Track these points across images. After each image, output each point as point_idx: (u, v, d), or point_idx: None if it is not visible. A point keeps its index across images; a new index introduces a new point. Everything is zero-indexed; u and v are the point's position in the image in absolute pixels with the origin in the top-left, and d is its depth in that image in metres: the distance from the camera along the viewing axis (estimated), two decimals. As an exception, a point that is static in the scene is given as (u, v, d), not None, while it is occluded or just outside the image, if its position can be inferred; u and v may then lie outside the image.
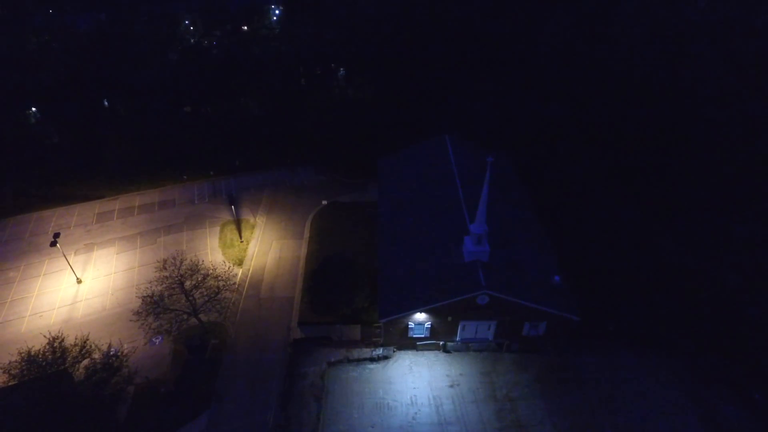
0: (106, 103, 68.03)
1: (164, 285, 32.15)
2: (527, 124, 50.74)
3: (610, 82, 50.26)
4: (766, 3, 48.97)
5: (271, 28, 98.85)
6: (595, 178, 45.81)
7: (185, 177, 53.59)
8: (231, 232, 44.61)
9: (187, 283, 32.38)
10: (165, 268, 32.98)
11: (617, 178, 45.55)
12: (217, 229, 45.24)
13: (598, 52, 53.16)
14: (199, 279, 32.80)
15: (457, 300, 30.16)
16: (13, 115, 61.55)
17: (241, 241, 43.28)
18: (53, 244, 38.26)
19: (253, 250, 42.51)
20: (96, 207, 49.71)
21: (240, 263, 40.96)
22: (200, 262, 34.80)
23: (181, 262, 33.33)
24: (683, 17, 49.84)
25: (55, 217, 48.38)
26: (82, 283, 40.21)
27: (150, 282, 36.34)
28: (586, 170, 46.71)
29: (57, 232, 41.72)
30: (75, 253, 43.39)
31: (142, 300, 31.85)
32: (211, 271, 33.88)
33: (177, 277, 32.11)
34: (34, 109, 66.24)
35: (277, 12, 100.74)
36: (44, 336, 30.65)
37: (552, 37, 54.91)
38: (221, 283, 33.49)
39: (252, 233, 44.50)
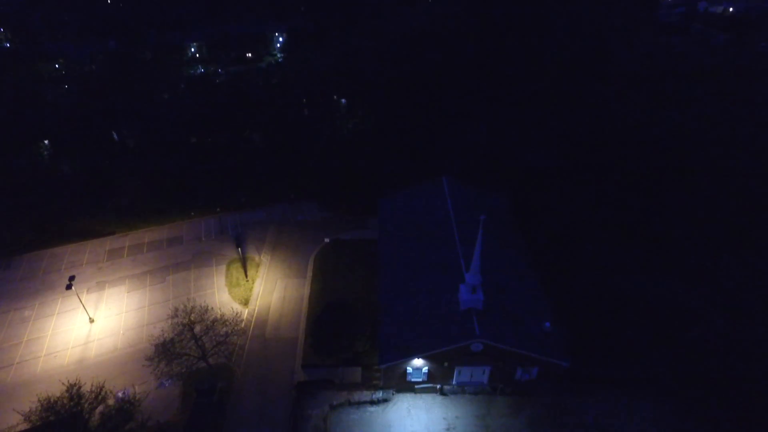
0: (115, 136, 70.12)
1: (175, 332, 33.88)
2: (522, 165, 52.50)
3: (604, 126, 52.15)
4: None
5: (274, 55, 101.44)
6: (588, 221, 47.45)
7: (193, 213, 55.47)
8: (237, 270, 46.37)
9: (197, 328, 34.11)
10: (176, 315, 34.75)
11: (610, 221, 47.20)
12: (224, 267, 47.01)
13: (591, 97, 55.17)
14: (208, 324, 34.54)
15: (453, 348, 31.80)
16: (27, 149, 63.69)
17: (247, 280, 45.02)
18: (69, 287, 40.06)
19: (258, 289, 44.23)
20: (107, 244, 51.59)
21: (246, 303, 42.68)
22: (209, 308, 36.51)
23: (191, 309, 35.07)
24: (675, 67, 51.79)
25: (67, 255, 50.26)
26: (95, 323, 41.97)
27: (161, 325, 38.13)
28: (579, 212, 48.37)
29: (72, 275, 43.50)
30: (87, 291, 45.18)
31: (155, 348, 33.56)
32: (219, 316, 35.60)
33: (187, 323, 33.84)
34: (46, 141, 68.42)
35: (280, 39, 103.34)
36: (62, 383, 32.29)
37: (548, 76, 56.97)
38: (229, 329, 35.19)
39: (257, 272, 46.25)
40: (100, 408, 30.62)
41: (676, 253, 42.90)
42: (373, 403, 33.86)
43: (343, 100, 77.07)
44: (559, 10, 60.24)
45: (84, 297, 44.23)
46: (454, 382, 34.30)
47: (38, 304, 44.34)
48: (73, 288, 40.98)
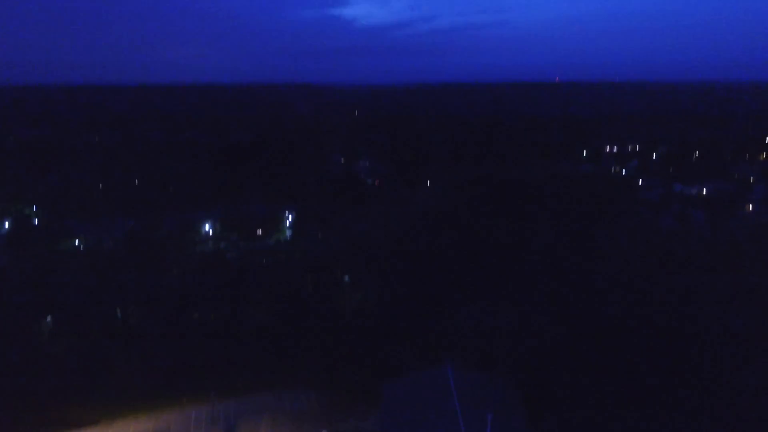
0: (119, 313, 70.79)
1: None
2: (527, 347, 51.82)
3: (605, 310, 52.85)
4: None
5: (282, 232, 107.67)
6: (597, 407, 44.97)
7: (185, 399, 52.91)
8: (225, 471, 42.35)
9: None
10: None
11: (621, 406, 44.74)
12: (211, 467, 43.07)
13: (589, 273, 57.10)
14: None
15: None
16: (29, 329, 63.68)
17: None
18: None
19: (246, 495, 39.85)
20: (88, 436, 48.15)
21: None
22: None
23: None
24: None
25: (44, 450, 46.55)
26: None
27: None
28: (587, 396, 46.14)
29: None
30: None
31: None
32: None
33: None
34: (49, 319, 68.85)
35: (290, 218, 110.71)
36: None
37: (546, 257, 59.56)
38: None
39: (247, 473, 42.19)
40: None
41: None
42: None
43: (346, 278, 79.40)
44: (549, 197, 66.05)
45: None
46: None
47: None
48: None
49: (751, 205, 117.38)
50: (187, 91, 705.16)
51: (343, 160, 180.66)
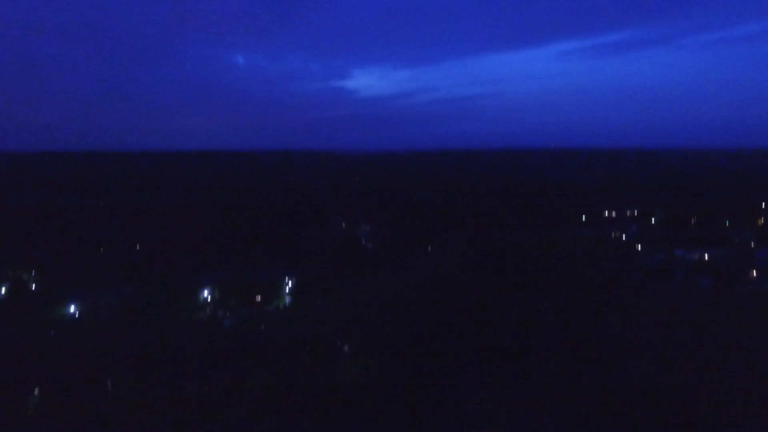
0: (109, 385, 68.05)
1: None
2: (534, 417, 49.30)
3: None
4: None
5: (282, 299, 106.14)
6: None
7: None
8: None
9: None
10: None
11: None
12: None
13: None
14: None
15: None
16: (12, 405, 60.87)
17: None
18: None
19: None
20: None
21: None
22: None
23: None
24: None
25: None
26: None
27: None
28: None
29: None
30: None
31: None
32: None
33: None
34: (36, 391, 66.05)
35: (290, 284, 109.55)
36: None
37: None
38: None
39: None
40: None
41: None
42: None
43: (346, 347, 77.18)
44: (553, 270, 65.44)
45: None
46: None
47: None
48: None
49: (755, 271, 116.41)
50: (192, 157, 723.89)
51: (344, 224, 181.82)
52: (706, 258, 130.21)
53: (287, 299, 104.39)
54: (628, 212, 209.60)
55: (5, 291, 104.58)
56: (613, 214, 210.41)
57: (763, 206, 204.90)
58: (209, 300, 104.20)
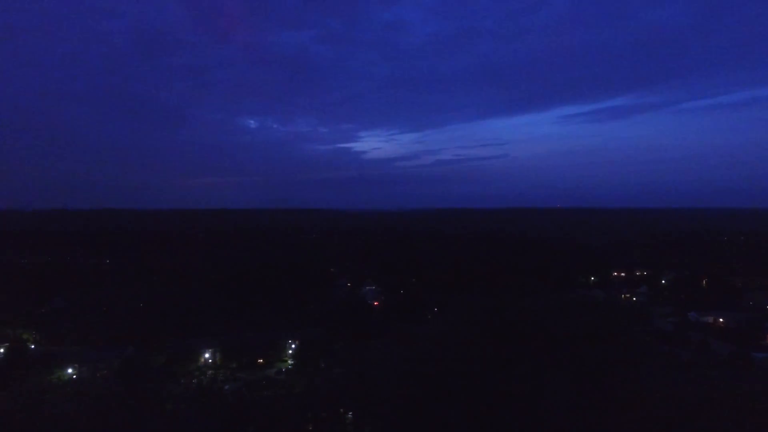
0: None
1: None
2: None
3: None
4: None
5: (285, 361, 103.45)
6: None
7: None
8: None
9: None
10: None
11: None
12: None
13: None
14: None
15: None
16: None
17: None
18: None
19: None
20: None
21: None
22: None
23: None
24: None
25: None
26: None
27: None
28: None
29: None
30: None
31: None
32: None
33: None
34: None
35: (293, 346, 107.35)
36: None
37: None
38: None
39: None
40: None
41: None
42: None
43: (350, 414, 74.19)
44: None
45: None
46: None
47: None
48: None
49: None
50: (199, 216, 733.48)
51: (349, 284, 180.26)
52: (721, 321, 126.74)
53: (290, 362, 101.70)
54: (636, 272, 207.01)
55: (4, 351, 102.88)
56: (622, 274, 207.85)
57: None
58: (210, 362, 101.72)
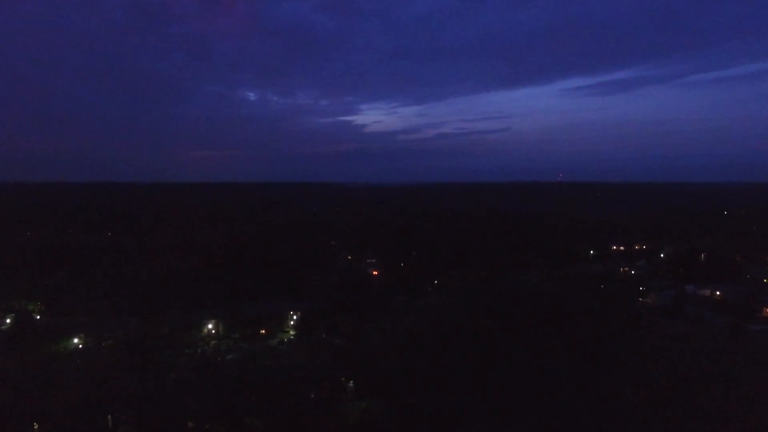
0: (110, 421, 66.87)
1: None
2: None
3: None
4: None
5: (286, 332, 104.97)
6: None
7: None
8: None
9: None
10: None
11: None
12: None
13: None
14: None
15: None
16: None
17: None
18: None
19: None
20: None
21: None
22: None
23: None
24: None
25: None
26: None
27: None
28: None
29: None
30: None
31: None
32: None
33: None
34: (36, 426, 64.94)
35: (294, 317, 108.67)
36: None
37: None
38: None
39: None
40: None
41: None
42: None
43: (351, 383, 75.74)
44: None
45: None
46: None
47: None
48: None
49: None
50: (203, 189, 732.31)
51: (350, 257, 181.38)
52: (718, 294, 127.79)
53: (292, 333, 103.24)
54: (636, 246, 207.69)
55: (10, 322, 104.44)
56: (621, 248, 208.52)
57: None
58: (213, 333, 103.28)
